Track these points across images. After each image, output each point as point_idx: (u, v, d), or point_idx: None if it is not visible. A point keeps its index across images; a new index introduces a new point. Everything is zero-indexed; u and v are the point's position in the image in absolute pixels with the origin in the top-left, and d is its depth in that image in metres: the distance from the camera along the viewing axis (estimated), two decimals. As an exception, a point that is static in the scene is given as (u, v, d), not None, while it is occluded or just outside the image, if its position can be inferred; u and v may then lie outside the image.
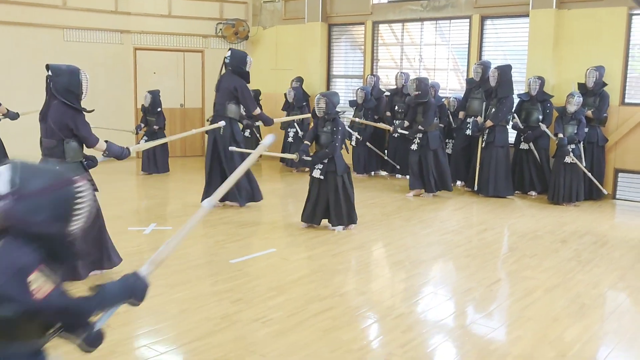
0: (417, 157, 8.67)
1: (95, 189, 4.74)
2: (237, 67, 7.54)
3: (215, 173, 7.57)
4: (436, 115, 8.69)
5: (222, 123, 7.40)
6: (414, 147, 8.71)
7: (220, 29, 12.42)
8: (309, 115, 8.54)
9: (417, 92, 8.55)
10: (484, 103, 9.15)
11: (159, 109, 10.35)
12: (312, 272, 5.39)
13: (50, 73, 4.87)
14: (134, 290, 2.19)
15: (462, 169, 9.61)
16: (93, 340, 2.16)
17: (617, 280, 5.31)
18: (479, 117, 9.06)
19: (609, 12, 8.66)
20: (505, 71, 8.73)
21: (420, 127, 8.54)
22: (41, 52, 10.42)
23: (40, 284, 1.88)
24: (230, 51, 7.67)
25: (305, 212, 6.86)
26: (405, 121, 9.02)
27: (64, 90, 4.79)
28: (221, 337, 3.97)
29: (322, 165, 6.66)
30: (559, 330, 4.16)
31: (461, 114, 9.60)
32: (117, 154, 5.14)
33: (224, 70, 7.72)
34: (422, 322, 4.39)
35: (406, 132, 8.86)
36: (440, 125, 9.62)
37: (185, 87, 12.46)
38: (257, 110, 7.82)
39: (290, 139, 10.88)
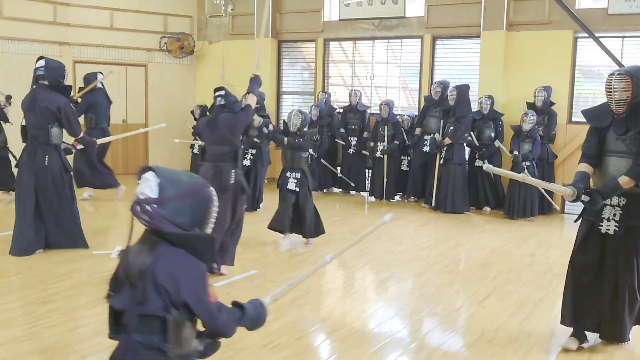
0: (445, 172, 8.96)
1: None
2: (54, 80, 6.09)
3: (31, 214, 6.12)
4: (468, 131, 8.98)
5: (162, 125, 7.48)
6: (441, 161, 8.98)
7: (165, 43, 12.08)
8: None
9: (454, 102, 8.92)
10: (441, 121, 9.38)
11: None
12: (304, 294, 5.26)
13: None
14: (260, 320, 2.39)
15: (419, 186, 9.76)
16: (211, 349, 2.26)
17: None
18: (436, 135, 9.24)
19: (555, 35, 9.10)
20: (463, 91, 8.98)
21: (446, 139, 8.90)
22: (-26, 63, 9.75)
23: (211, 289, 2.11)
24: (43, 60, 6.10)
25: (276, 220, 6.83)
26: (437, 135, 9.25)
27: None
28: (235, 366, 3.78)
29: (296, 179, 6.67)
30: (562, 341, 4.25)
31: (418, 131, 9.76)
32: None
33: (35, 84, 6.21)
34: (430, 341, 4.36)
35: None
36: (396, 142, 9.78)
37: (127, 102, 11.99)
38: (81, 134, 6.48)
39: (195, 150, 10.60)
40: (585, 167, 4.12)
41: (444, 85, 9.48)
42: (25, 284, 5.30)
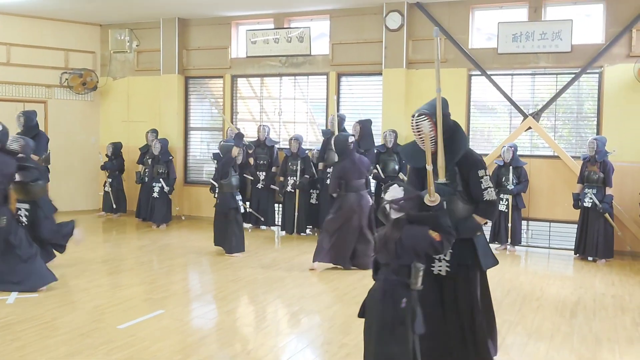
0: None
1: None
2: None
3: None
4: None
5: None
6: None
7: (67, 79, 11.73)
8: None
9: None
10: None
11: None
12: (213, 332, 5.18)
13: None
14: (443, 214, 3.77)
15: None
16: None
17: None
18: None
19: (451, 72, 9.63)
20: (367, 125, 9.30)
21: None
22: None
23: (435, 234, 3.50)
24: None
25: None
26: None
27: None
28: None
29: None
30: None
31: (321, 165, 9.96)
32: None
33: None
34: (338, 372, 4.41)
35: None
36: (306, 176, 9.92)
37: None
38: None
39: (155, 194, 10.44)
40: None
41: (340, 118, 9.73)
42: None
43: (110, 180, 11.37)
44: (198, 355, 4.60)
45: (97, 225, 10.79)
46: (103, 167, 11.48)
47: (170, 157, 10.60)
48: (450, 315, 4.13)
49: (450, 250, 4.00)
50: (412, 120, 4.01)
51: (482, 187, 4.02)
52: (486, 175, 4.05)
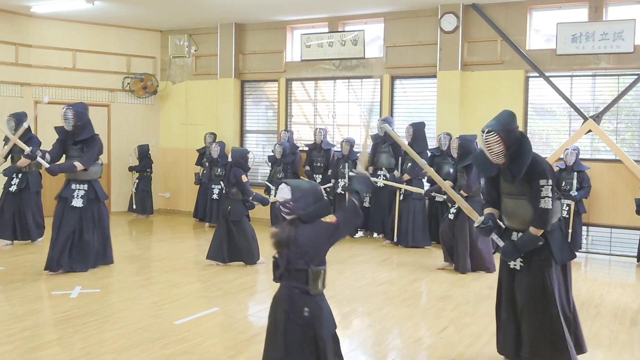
0: (451, 227, 7.64)
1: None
2: None
3: None
4: (479, 180, 7.44)
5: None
6: (450, 215, 7.68)
7: (128, 83, 12.14)
8: None
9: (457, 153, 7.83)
10: (392, 157, 9.62)
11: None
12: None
13: None
14: (366, 181, 3.45)
15: (379, 222, 9.89)
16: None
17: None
18: (396, 172, 9.44)
19: (508, 74, 9.48)
20: (419, 128, 9.24)
21: (461, 191, 7.40)
22: None
23: (330, 219, 3.26)
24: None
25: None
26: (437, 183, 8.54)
27: None
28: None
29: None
30: (518, 372, 4.35)
31: (370, 169, 9.95)
32: None
33: None
34: (388, 373, 4.42)
35: (443, 196, 8.56)
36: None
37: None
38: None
39: (215, 196, 10.69)
40: (490, 210, 4.49)
41: (388, 122, 9.71)
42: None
43: (137, 181, 11.67)
44: (249, 352, 4.70)
45: (153, 225, 11.13)
46: (131, 169, 11.80)
47: (229, 160, 10.79)
48: (523, 309, 4.28)
49: None
50: (482, 135, 4.20)
51: (540, 195, 4.15)
52: (548, 185, 4.17)
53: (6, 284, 6.55)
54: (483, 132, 4.18)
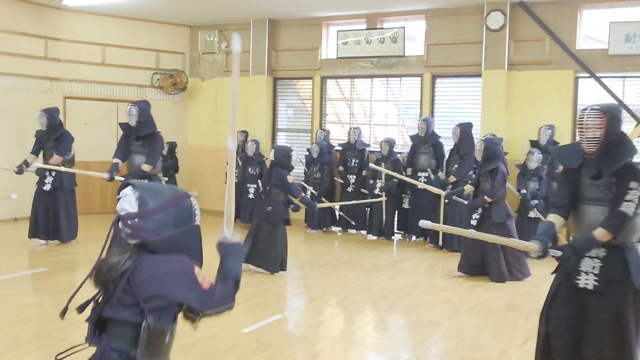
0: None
1: None
2: None
3: None
4: (504, 185, 7.30)
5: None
6: (473, 222, 7.36)
7: (158, 79, 11.87)
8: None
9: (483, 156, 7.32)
10: (433, 158, 9.37)
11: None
12: (338, 340, 5.01)
13: None
14: (239, 255, 2.38)
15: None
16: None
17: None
18: (440, 173, 9.17)
19: (556, 74, 9.20)
20: (467, 129, 8.99)
21: (485, 197, 7.20)
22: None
23: (202, 277, 2.14)
24: None
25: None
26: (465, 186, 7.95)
27: None
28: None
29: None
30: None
31: (409, 171, 9.68)
32: None
33: None
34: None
35: (464, 201, 7.86)
36: (394, 180, 9.54)
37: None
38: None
39: (251, 195, 10.42)
40: (553, 218, 3.81)
41: (428, 122, 9.45)
42: None
43: (166, 179, 11.35)
44: (332, 364, 4.44)
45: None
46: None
47: (264, 158, 10.54)
48: (592, 338, 3.67)
49: (600, 264, 3.63)
50: (583, 112, 3.66)
51: (624, 198, 3.57)
52: (637, 190, 3.60)
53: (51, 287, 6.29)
54: (585, 109, 3.65)
